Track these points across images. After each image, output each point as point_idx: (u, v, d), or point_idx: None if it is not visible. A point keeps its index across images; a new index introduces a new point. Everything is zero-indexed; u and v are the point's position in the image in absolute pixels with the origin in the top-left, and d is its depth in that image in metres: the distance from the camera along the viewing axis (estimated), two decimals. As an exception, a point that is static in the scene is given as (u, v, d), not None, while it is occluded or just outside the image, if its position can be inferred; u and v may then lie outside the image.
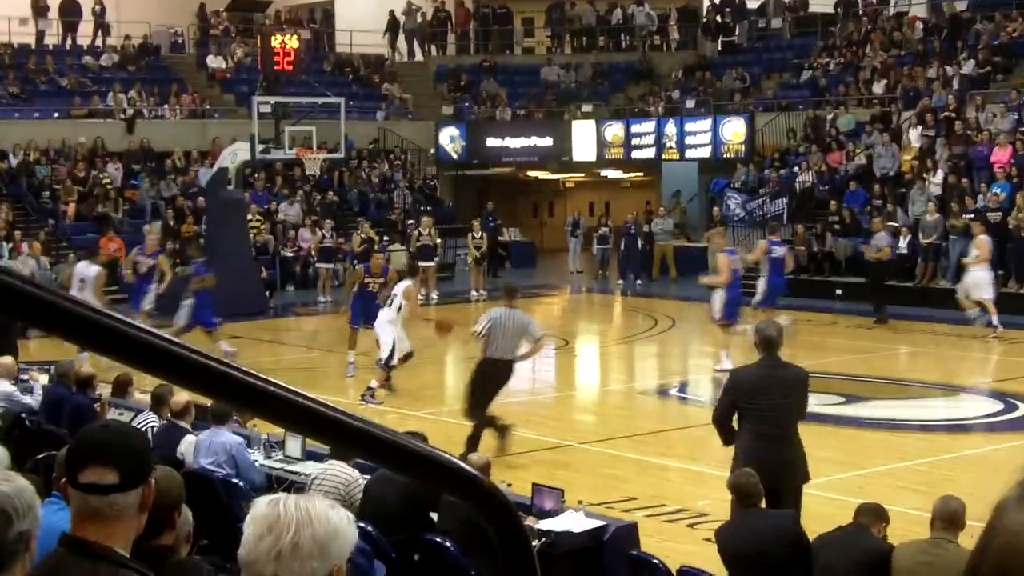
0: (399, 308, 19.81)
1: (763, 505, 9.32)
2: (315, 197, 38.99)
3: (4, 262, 28.74)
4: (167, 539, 3.94)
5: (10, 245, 31.33)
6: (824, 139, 36.83)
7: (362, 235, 32.86)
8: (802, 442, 11.01)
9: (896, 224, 31.39)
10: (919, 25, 40.55)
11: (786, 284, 25.99)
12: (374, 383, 19.97)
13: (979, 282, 25.71)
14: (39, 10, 43.80)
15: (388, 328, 19.82)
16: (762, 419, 10.81)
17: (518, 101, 46.27)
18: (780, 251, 25.18)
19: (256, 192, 37.39)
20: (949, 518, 8.25)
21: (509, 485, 10.45)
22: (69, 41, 44.60)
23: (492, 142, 44.47)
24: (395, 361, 20.01)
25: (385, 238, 36.91)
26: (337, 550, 2.93)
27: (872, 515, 8.90)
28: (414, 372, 22.08)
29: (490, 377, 16.14)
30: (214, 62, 44.69)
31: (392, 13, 48.34)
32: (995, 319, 25.24)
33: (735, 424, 11.07)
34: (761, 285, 24.97)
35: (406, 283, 20.47)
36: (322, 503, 2.97)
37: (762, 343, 10.98)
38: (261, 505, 2.96)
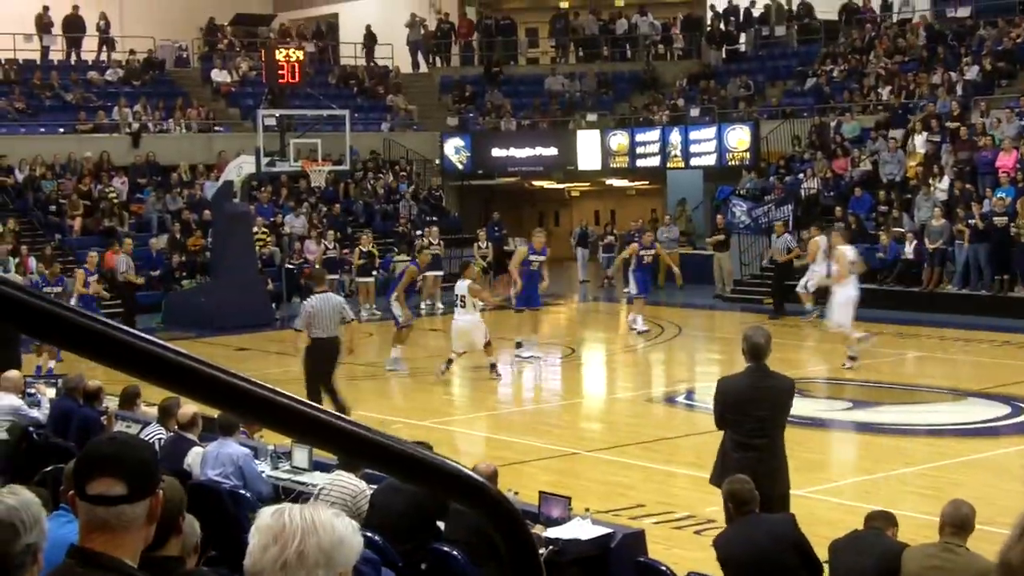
0: (477, 307, 22.16)
1: (758, 510, 9.26)
2: (321, 209, 39.02)
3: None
4: (173, 547, 3.94)
5: (16, 260, 31.36)
6: (829, 146, 36.83)
7: (363, 248, 32.86)
8: (785, 449, 10.93)
9: (902, 229, 31.45)
10: (923, 31, 40.55)
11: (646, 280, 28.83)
12: (493, 359, 22.55)
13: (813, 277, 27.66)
14: (43, 26, 43.89)
15: (476, 326, 22.08)
16: (747, 429, 10.66)
17: (523, 111, 46.30)
18: (649, 253, 28.34)
19: (261, 205, 37.44)
20: (959, 523, 8.22)
21: (516, 493, 10.45)
22: (74, 56, 44.69)
23: (497, 152, 44.50)
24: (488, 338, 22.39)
25: (394, 249, 36.96)
26: (343, 559, 2.94)
27: (883, 520, 8.89)
28: (420, 382, 22.13)
29: (321, 356, 18.08)
30: (219, 76, 44.77)
31: (368, 27, 48.62)
32: (809, 306, 27.90)
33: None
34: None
35: (467, 282, 22.23)
36: (327, 512, 2.98)
37: (749, 351, 10.73)
38: (266, 515, 2.97)
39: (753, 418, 10.61)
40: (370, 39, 48.70)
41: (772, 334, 11.08)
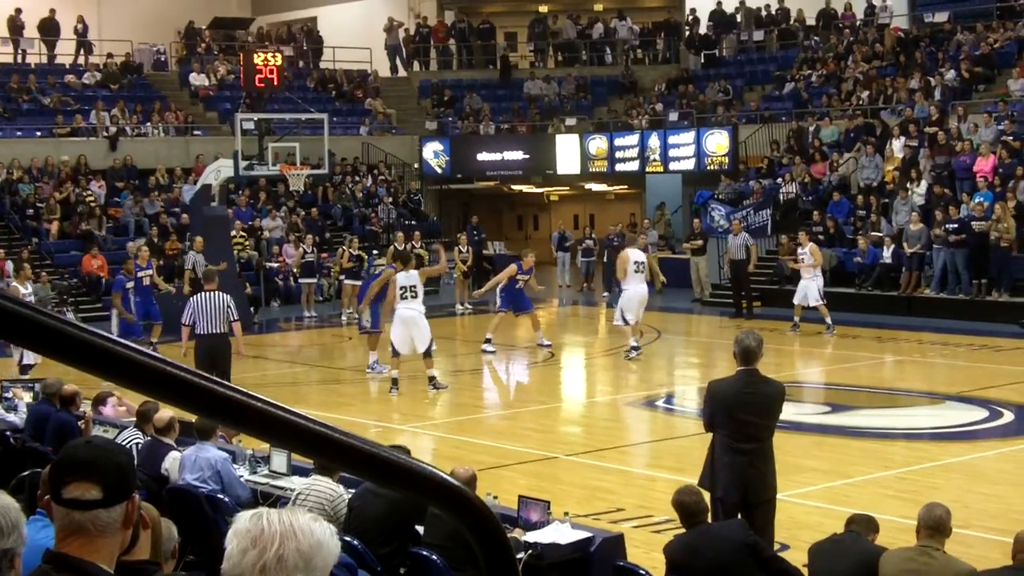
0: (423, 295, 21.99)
1: (709, 519, 9.25)
2: (299, 212, 38.98)
3: None
4: (145, 544, 3.89)
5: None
6: (807, 150, 36.90)
7: (351, 251, 32.84)
8: (774, 454, 10.90)
9: (880, 234, 31.54)
10: (895, 35, 40.71)
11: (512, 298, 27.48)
12: (432, 371, 22.03)
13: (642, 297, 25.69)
14: (15, 28, 43.80)
15: (420, 322, 21.73)
16: (737, 433, 10.58)
17: (501, 115, 46.32)
18: (524, 277, 27.17)
19: (239, 208, 37.39)
20: (935, 526, 8.24)
21: (495, 497, 10.44)
22: (47, 59, 44.64)
23: (476, 156, 44.50)
24: (435, 347, 22.18)
25: (374, 252, 36.94)
26: (321, 562, 2.94)
27: (864, 525, 8.88)
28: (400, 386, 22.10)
29: (204, 352, 18.80)
30: (197, 79, 44.70)
31: (318, 32, 48.86)
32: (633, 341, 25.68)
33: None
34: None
35: (416, 273, 22.01)
36: (305, 516, 2.98)
37: (740, 354, 10.65)
38: (243, 519, 2.96)
39: (743, 422, 10.55)
40: (317, 40, 49.03)
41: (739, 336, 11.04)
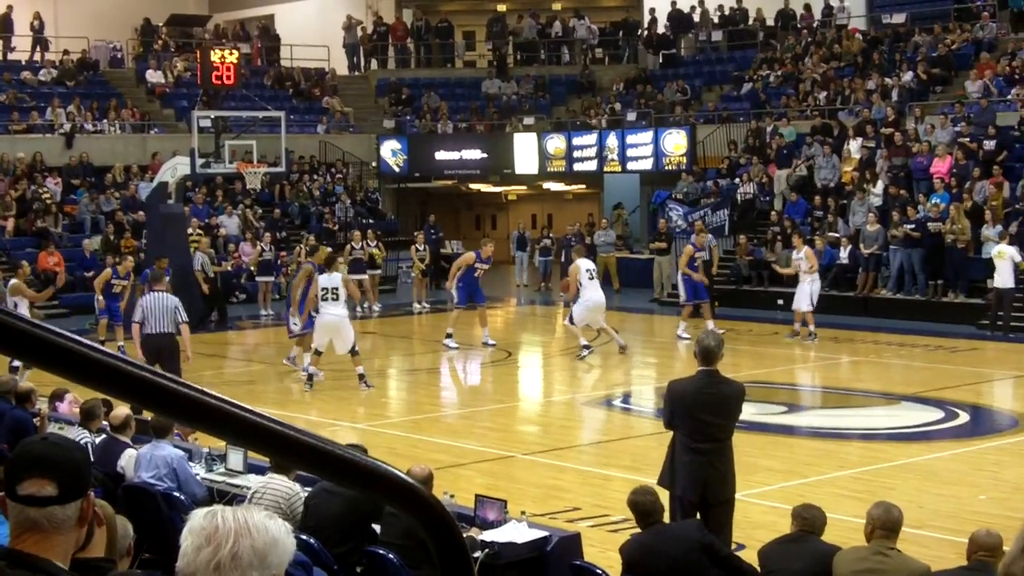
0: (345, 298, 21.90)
1: (666, 519, 9.28)
2: (256, 210, 38.84)
3: None
4: (100, 541, 3.85)
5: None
6: (765, 151, 37.00)
7: (307, 247, 32.75)
8: (733, 454, 10.94)
9: (837, 234, 31.67)
10: (858, 37, 40.87)
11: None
12: (360, 369, 21.88)
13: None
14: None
15: (347, 323, 21.87)
16: (696, 433, 10.62)
17: (459, 114, 46.30)
18: (482, 267, 27.14)
19: (196, 206, 37.22)
20: (892, 526, 8.27)
21: (452, 496, 10.44)
22: (2, 55, 44.40)
23: (434, 155, 44.45)
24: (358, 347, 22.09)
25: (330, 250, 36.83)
26: (276, 560, 2.93)
27: (812, 519, 8.87)
28: (356, 385, 22.05)
29: (151, 350, 18.83)
30: (153, 77, 44.50)
31: (274, 29, 48.86)
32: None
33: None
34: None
35: (339, 275, 22.02)
36: (260, 514, 2.97)
37: (701, 354, 10.71)
38: (198, 517, 2.95)
39: (703, 422, 10.58)
40: (274, 38, 49.16)
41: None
